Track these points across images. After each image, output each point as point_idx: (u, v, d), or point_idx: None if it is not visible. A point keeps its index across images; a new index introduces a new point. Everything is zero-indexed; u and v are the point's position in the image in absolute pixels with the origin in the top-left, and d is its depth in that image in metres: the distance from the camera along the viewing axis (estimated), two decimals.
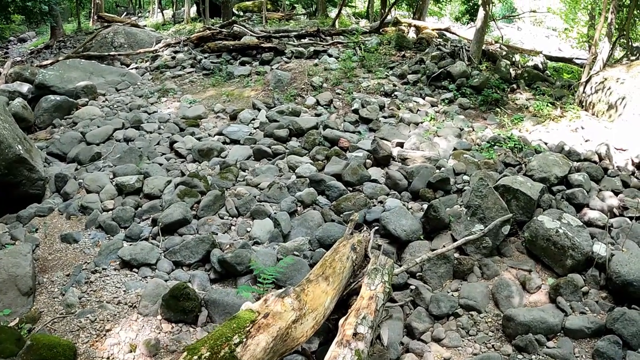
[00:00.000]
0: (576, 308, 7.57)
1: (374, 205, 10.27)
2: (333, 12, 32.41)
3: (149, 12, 44.37)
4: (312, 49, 20.45)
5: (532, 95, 16.44)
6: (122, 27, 25.37)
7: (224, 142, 13.33)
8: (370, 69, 18.16)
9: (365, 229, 9.46)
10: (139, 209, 10.00)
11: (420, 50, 19.91)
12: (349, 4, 39.23)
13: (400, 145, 13.14)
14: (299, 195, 10.35)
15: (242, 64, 19.75)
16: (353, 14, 34.51)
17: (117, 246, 8.70)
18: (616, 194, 10.45)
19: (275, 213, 9.77)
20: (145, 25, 31.95)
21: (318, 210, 10.05)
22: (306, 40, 22.16)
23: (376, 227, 9.34)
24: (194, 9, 36.84)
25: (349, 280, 7.17)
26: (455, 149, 12.70)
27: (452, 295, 8.11)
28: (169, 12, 40.35)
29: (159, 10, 38.99)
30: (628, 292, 7.51)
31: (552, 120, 14.48)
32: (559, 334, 7.20)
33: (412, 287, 8.28)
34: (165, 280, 7.98)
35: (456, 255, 8.76)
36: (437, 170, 11.29)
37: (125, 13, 44.78)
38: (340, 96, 16.10)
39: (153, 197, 10.33)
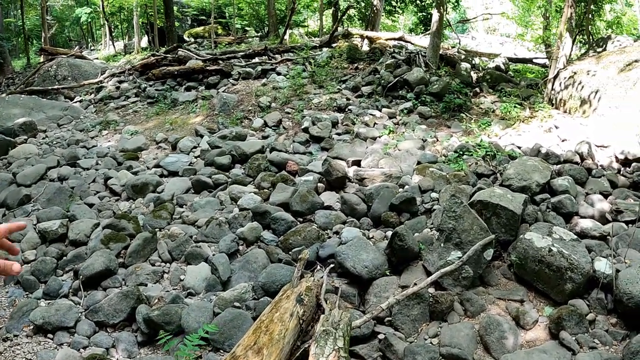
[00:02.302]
0: (584, 342, 6.50)
1: (329, 238, 9.11)
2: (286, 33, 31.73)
3: (101, 44, 43.93)
4: (259, 68, 19.83)
5: (498, 97, 15.67)
6: (66, 60, 24.55)
7: (162, 175, 12.53)
8: (322, 84, 17.58)
9: (318, 268, 8.22)
10: (63, 258, 9.07)
11: (373, 61, 19.23)
12: (302, 24, 38.76)
13: (357, 163, 11.99)
14: (241, 232, 9.28)
15: (188, 89, 19.19)
16: (306, 33, 33.80)
17: (32, 306, 7.70)
18: (605, 196, 9.58)
19: (213, 255, 8.76)
20: (97, 58, 31.32)
21: (263, 248, 8.90)
22: (255, 60, 21.57)
23: (332, 265, 8.00)
24: (146, 39, 36.13)
25: (296, 344, 5.62)
26: (419, 162, 11.52)
27: (431, 343, 6.80)
28: (120, 44, 39.67)
29: (110, 42, 38.20)
30: None
31: (522, 122, 13.65)
32: None
33: (381, 336, 6.96)
34: (84, 348, 7.03)
35: (431, 291, 7.45)
36: (400, 190, 10.09)
37: (77, 46, 44.12)
38: (290, 115, 15.47)
39: (79, 244, 9.38)
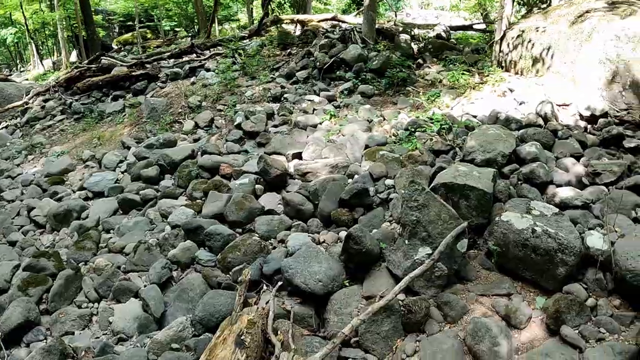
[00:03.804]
0: (589, 335, 5.67)
1: (273, 248, 7.96)
2: (217, 29, 30.69)
3: (30, 64, 42.31)
4: (187, 67, 18.99)
5: (443, 66, 15.02)
6: None
7: (86, 198, 11.48)
8: (254, 75, 16.84)
9: (264, 288, 7.03)
10: None
11: (306, 44, 18.55)
12: (233, 18, 37.80)
13: (298, 156, 10.90)
14: (173, 255, 8.24)
15: (115, 98, 18.19)
16: (238, 27, 32.78)
17: None
18: (577, 158, 8.85)
19: (145, 286, 7.75)
20: (27, 79, 29.97)
21: (200, 271, 7.85)
22: (183, 60, 20.60)
23: (280, 283, 6.86)
24: (75, 52, 34.81)
25: None
26: (367, 147, 10.51)
27: None
28: (49, 62, 38.14)
29: (38, 60, 36.86)
30: None
31: (473, 89, 12.88)
32: None
33: None
34: None
35: (401, 298, 6.32)
36: (350, 181, 9.04)
37: (6, 69, 42.64)
38: (222, 112, 14.62)
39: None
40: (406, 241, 6.56)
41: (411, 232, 6.53)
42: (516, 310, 5.91)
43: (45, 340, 7.08)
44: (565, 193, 7.59)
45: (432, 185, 7.21)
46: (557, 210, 6.85)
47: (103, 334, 7.20)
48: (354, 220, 7.96)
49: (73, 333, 7.23)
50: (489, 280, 6.56)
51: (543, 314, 5.91)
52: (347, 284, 6.69)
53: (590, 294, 6.12)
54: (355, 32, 16.94)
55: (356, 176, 9.06)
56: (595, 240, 6.31)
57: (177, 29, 36.37)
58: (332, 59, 15.45)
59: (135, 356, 6.36)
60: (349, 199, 8.09)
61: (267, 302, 6.42)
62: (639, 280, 5.72)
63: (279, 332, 5.94)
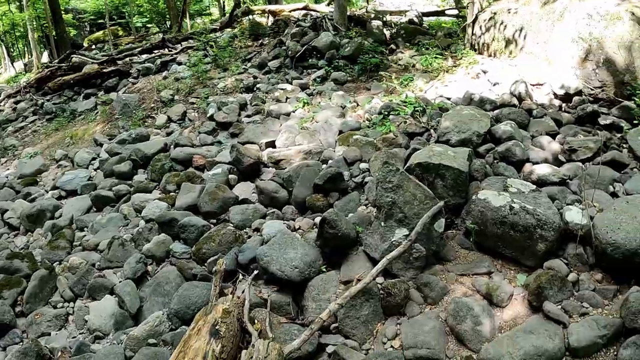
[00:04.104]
0: (573, 310, 5.59)
1: (249, 237, 7.81)
2: (189, 24, 30.36)
3: (1, 67, 41.67)
4: (159, 61, 18.78)
5: (416, 51, 14.86)
6: None
7: (59, 197, 11.28)
8: (226, 67, 16.68)
9: (240, 277, 6.87)
10: None
11: (278, 34, 18.42)
12: (205, 12, 37.47)
13: (271, 145, 10.75)
14: (148, 249, 8.11)
15: (87, 96, 17.90)
16: (210, 21, 32.42)
17: None
18: (553, 136, 8.81)
19: (120, 282, 7.61)
20: None
21: (175, 264, 7.73)
22: (154, 54, 20.37)
23: (256, 272, 6.68)
24: (47, 53, 34.18)
25: None
26: (340, 132, 10.39)
27: (392, 347, 5.65)
28: (20, 64, 37.67)
29: (9, 63, 36.37)
30: (633, 265, 5.74)
31: (447, 72, 12.78)
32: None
33: (330, 349, 5.74)
34: None
35: (380, 281, 6.19)
36: (324, 166, 8.90)
37: None
38: (195, 105, 14.43)
39: None
40: (382, 223, 6.42)
41: (387, 213, 6.38)
42: (497, 288, 5.82)
43: (21, 343, 6.91)
44: (542, 170, 7.51)
45: (406, 166, 7.08)
46: (534, 187, 6.77)
47: (79, 333, 7.08)
48: (329, 206, 7.81)
49: (49, 334, 7.11)
50: (469, 259, 6.46)
51: (525, 291, 5.82)
52: (324, 270, 6.55)
53: (572, 269, 6.05)
54: (327, 20, 16.80)
55: (330, 161, 8.93)
56: (574, 215, 6.23)
57: (148, 25, 35.85)
58: (304, 47, 15.32)
59: (112, 354, 6.21)
60: (323, 184, 7.94)
61: (243, 291, 6.26)
62: (620, 253, 5.65)
63: (256, 321, 5.80)
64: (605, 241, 5.76)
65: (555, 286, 5.62)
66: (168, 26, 32.47)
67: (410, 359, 5.34)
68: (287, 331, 5.87)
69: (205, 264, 7.36)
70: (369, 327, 5.85)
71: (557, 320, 5.38)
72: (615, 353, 5.14)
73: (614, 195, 7.13)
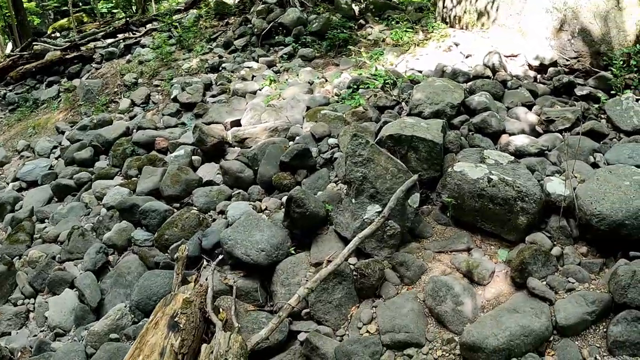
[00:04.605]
0: (558, 286, 5.32)
1: (213, 221, 7.41)
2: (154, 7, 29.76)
3: None
4: (122, 45, 18.37)
5: (386, 26, 14.42)
6: None
7: (20, 189, 10.88)
8: (191, 48, 16.12)
9: (205, 264, 6.49)
10: None
11: (245, 12, 17.88)
12: None
13: (237, 124, 10.25)
14: (109, 238, 7.76)
15: (49, 84, 17.36)
16: (176, 3, 31.86)
17: None
18: (529, 107, 8.50)
19: (81, 274, 7.26)
20: None
21: (137, 252, 7.39)
22: (118, 38, 19.90)
23: (220, 257, 6.30)
24: (11, 44, 33.36)
25: None
26: (309, 108, 9.94)
27: (368, 332, 5.32)
28: None
29: None
30: (619, 237, 5.51)
31: (418, 46, 12.35)
32: (553, 339, 4.93)
33: (302, 336, 5.44)
34: None
35: (353, 262, 5.83)
36: (291, 143, 8.46)
37: None
38: (159, 88, 13.94)
39: None
40: (353, 200, 6.03)
41: (358, 189, 5.99)
42: (478, 265, 5.49)
43: None
44: (519, 141, 7.22)
45: (377, 139, 6.71)
46: (512, 158, 6.48)
47: (40, 331, 6.88)
48: (297, 184, 7.42)
49: (10, 333, 6.92)
50: (446, 235, 6.12)
51: (507, 267, 5.52)
52: (293, 252, 6.18)
53: (555, 243, 5.78)
54: None
55: (297, 137, 8.49)
56: (556, 186, 5.93)
57: (114, 11, 35.02)
58: (270, 25, 14.90)
59: (72, 352, 5.99)
60: (290, 161, 7.53)
61: (206, 279, 5.86)
62: (605, 224, 5.39)
63: (221, 310, 5.45)
64: (590, 212, 5.49)
65: (539, 261, 5.33)
66: (134, 10, 31.85)
67: (387, 344, 5.02)
68: (255, 319, 5.53)
69: (168, 251, 6.98)
70: (342, 311, 5.51)
71: (543, 297, 5.10)
72: (605, 330, 4.90)
73: (594, 165, 6.83)
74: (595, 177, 5.99)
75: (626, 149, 6.87)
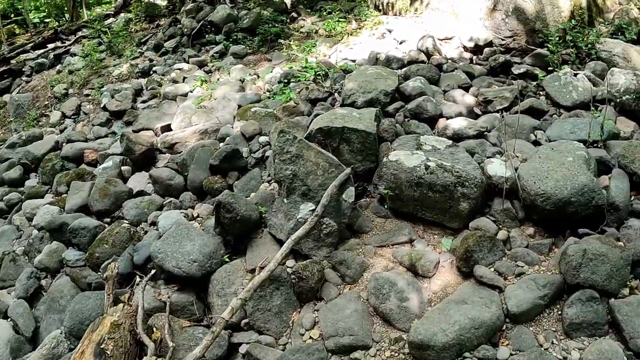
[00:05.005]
0: (507, 271, 5.13)
1: (145, 233, 6.97)
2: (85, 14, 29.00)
3: None
4: (52, 55, 17.72)
5: (318, 17, 14.15)
6: None
7: None
8: (121, 53, 15.70)
9: (138, 281, 6.03)
10: None
11: (175, 12, 17.51)
12: (104, 1, 35.99)
13: (168, 129, 9.81)
14: (39, 261, 7.30)
15: None
16: (107, 9, 31.15)
17: None
18: (466, 89, 8.29)
19: (14, 302, 6.88)
20: None
21: (69, 273, 6.92)
22: (48, 48, 19.20)
23: (153, 272, 5.92)
24: None
25: None
26: (240, 106, 9.49)
27: (311, 338, 4.99)
28: None
29: None
30: (566, 215, 5.36)
31: (351, 35, 12.08)
32: (506, 328, 4.71)
33: (243, 349, 5.09)
34: None
35: (290, 265, 5.50)
36: (221, 144, 7.96)
37: None
38: (90, 97, 13.34)
39: None
40: (285, 200, 5.69)
41: (289, 188, 5.66)
42: (421, 257, 5.21)
43: None
44: (457, 124, 6.98)
45: (307, 133, 6.36)
46: (450, 142, 6.24)
47: None
48: (229, 187, 7.04)
49: None
50: (387, 228, 5.82)
51: (452, 257, 5.28)
52: (228, 260, 5.81)
53: (501, 227, 5.55)
54: None
55: (227, 138, 8.08)
56: (497, 168, 5.72)
57: (47, 20, 34.15)
58: (200, 23, 14.52)
59: None
60: (220, 164, 7.12)
61: (130, 295, 5.46)
62: (551, 204, 5.21)
63: (154, 329, 5.03)
64: (534, 192, 5.32)
65: (484, 247, 5.10)
66: (66, 19, 31.05)
67: (332, 349, 4.71)
68: (192, 336, 5.15)
69: (100, 270, 6.48)
70: (283, 318, 5.18)
71: (492, 284, 4.89)
72: (559, 313, 4.75)
73: (536, 143, 6.65)
74: (537, 155, 5.82)
75: (567, 124, 6.73)
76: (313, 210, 5.45)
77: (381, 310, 4.87)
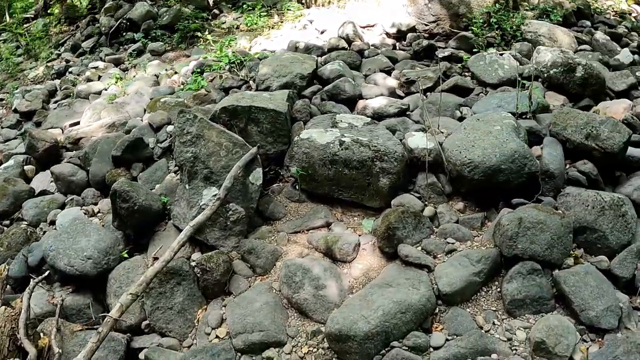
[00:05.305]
0: (436, 249, 4.61)
1: (44, 234, 6.23)
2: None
3: None
4: None
5: (240, 13, 13.57)
6: None
7: None
8: (39, 56, 14.96)
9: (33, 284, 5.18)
10: None
11: (95, 13, 16.65)
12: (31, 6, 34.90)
13: (76, 126, 8.78)
14: None
15: None
16: (27, 12, 30.08)
17: None
18: (388, 73, 7.79)
19: None
20: None
21: None
22: None
23: (48, 272, 5.12)
24: None
25: None
26: (151, 99, 8.64)
27: (217, 337, 4.30)
28: None
29: None
30: (497, 185, 4.87)
31: (273, 28, 11.59)
32: (439, 311, 4.15)
33: (142, 355, 4.36)
34: None
35: (196, 258, 4.79)
36: (127, 136, 7.01)
37: None
38: (4, 102, 12.69)
39: None
40: (187, 186, 4.99)
41: (190, 172, 4.97)
42: (337, 240, 4.57)
43: None
44: (377, 103, 6.44)
45: (212, 115, 5.63)
46: (369, 120, 5.66)
47: None
48: (134, 179, 6.24)
49: None
50: (301, 213, 5.17)
51: (374, 238, 4.63)
52: (127, 256, 5.07)
53: (427, 203, 4.99)
54: None
55: (133, 129, 7.31)
56: (418, 141, 5.15)
57: None
58: (118, 22, 13.76)
59: None
60: (123, 155, 6.34)
61: (21, 300, 4.69)
62: (479, 173, 4.70)
63: (42, 335, 4.30)
64: (460, 162, 4.79)
65: (409, 224, 4.50)
66: None
67: (241, 348, 4.05)
68: (83, 341, 4.39)
69: None
70: (187, 317, 4.48)
71: (419, 264, 4.33)
72: (498, 289, 4.24)
73: (461, 119, 6.09)
74: (462, 127, 5.29)
75: (494, 99, 6.26)
76: (216, 195, 4.73)
77: (295, 301, 4.23)
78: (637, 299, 4.14)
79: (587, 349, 3.73)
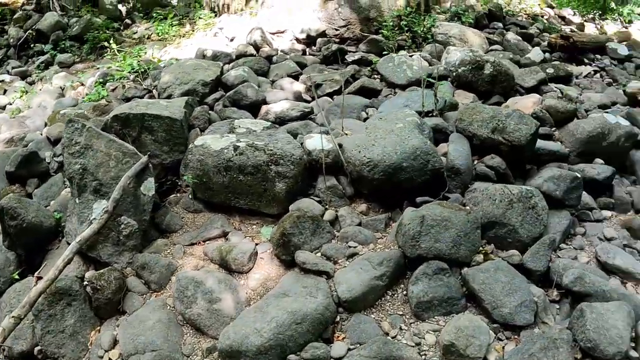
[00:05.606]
0: (337, 254, 4.31)
1: None
2: None
3: None
4: None
5: (152, 23, 13.19)
6: None
7: None
8: None
9: None
10: None
11: (4, 24, 15.75)
12: None
13: None
14: None
15: None
16: None
17: None
18: (296, 77, 7.60)
19: None
20: None
21: None
22: None
23: None
24: None
25: None
26: (53, 112, 8.14)
27: None
28: None
29: None
30: (400, 184, 4.66)
31: (183, 37, 11.33)
32: (340, 319, 3.92)
33: None
34: None
35: (89, 276, 4.41)
36: (20, 150, 6.60)
37: None
38: None
39: None
40: (77, 200, 4.62)
41: (79, 185, 4.59)
42: (231, 250, 4.31)
43: None
44: (279, 107, 6.21)
45: (103, 124, 5.28)
46: (269, 124, 5.44)
47: None
48: (29, 196, 5.80)
49: None
50: (198, 223, 4.87)
51: (272, 247, 4.38)
52: (18, 277, 4.66)
53: (327, 207, 4.75)
54: (55, 1, 14.33)
55: (30, 143, 6.83)
56: (316, 142, 4.91)
57: None
58: (27, 33, 13.04)
59: None
60: (16, 170, 5.87)
61: None
62: (379, 172, 4.53)
63: None
64: (359, 162, 4.63)
65: (306, 230, 4.27)
66: None
67: None
68: None
69: None
70: (80, 339, 4.13)
71: (317, 270, 4.10)
72: (404, 292, 4.05)
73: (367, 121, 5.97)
74: (364, 127, 5.12)
75: (401, 99, 6.19)
76: (105, 209, 4.37)
77: (188, 316, 3.95)
78: (553, 292, 3.99)
79: (503, 347, 3.60)
